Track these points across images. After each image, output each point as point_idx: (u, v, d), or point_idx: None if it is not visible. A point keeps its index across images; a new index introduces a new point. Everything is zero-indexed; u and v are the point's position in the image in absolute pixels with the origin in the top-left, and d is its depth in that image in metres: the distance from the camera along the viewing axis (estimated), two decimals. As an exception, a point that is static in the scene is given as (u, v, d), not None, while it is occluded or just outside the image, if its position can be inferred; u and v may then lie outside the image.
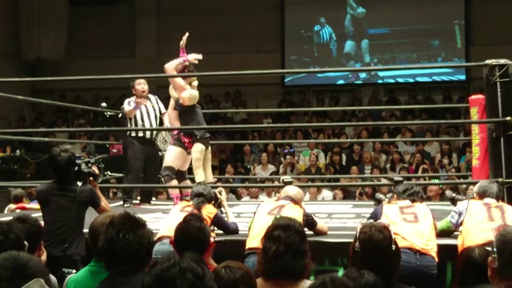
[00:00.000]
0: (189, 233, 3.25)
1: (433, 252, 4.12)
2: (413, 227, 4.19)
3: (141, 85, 7.22)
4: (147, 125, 7.15)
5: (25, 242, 2.83)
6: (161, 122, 7.35)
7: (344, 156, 11.92)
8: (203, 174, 6.38)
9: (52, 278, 2.77)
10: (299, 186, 5.85)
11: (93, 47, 15.12)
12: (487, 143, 5.65)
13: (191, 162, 6.52)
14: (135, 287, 1.93)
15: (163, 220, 5.31)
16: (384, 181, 8.76)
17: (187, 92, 6.50)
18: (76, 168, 4.54)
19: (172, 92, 6.77)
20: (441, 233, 4.48)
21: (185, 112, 6.55)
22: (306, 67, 14.69)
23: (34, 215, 4.07)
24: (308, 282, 2.69)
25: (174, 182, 6.52)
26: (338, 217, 6.11)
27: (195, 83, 6.68)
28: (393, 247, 2.69)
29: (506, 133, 5.31)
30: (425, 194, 9.34)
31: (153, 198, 8.02)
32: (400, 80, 14.75)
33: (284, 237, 2.81)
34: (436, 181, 9.22)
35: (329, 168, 11.37)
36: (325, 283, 1.96)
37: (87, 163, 4.70)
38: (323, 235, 4.72)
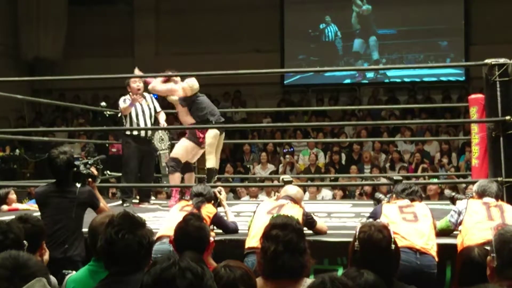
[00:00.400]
0: (189, 232, 3.25)
1: (433, 251, 4.12)
2: (412, 226, 4.19)
3: (136, 83, 7.22)
4: (142, 124, 7.15)
5: (25, 241, 2.83)
6: (157, 121, 7.35)
7: (343, 156, 11.93)
8: (214, 160, 6.40)
9: (52, 278, 2.77)
10: (299, 186, 5.86)
11: (92, 46, 15.12)
12: (486, 143, 5.65)
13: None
14: (135, 287, 1.93)
15: (162, 219, 5.31)
16: (383, 180, 8.77)
17: (183, 83, 6.51)
18: (75, 169, 4.55)
19: (171, 98, 6.78)
20: (440, 233, 4.48)
21: (192, 103, 6.58)
22: (314, 67, 14.67)
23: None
24: (308, 281, 2.68)
25: (177, 175, 6.54)
26: (337, 217, 6.11)
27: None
28: (393, 246, 2.69)
29: (506, 133, 5.31)
30: (425, 194, 9.36)
31: (153, 197, 8.02)
32: (406, 80, 14.75)
33: (282, 236, 2.80)
34: (436, 180, 9.22)
35: (329, 167, 11.38)
36: (324, 282, 1.96)
37: (85, 164, 4.71)
38: (322, 234, 4.72)
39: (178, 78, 6.83)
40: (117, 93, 14.24)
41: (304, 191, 7.75)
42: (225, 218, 5.06)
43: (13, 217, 3.23)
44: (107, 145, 10.57)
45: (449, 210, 4.65)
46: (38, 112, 15.40)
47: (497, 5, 13.56)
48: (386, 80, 14.90)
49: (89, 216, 4.31)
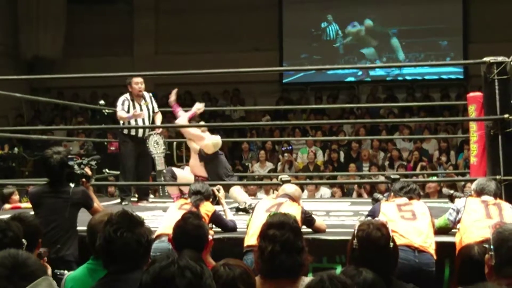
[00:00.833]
0: (188, 231, 3.25)
1: (432, 249, 4.12)
2: (411, 224, 4.19)
3: (138, 84, 7.19)
4: (140, 124, 7.15)
5: (24, 240, 2.83)
6: (154, 122, 7.34)
7: (342, 154, 11.94)
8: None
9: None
10: (297, 184, 5.86)
11: (91, 45, 15.11)
12: (485, 141, 5.65)
13: None
14: (133, 285, 1.92)
15: (161, 217, 5.31)
16: (382, 179, 8.77)
17: (209, 139, 6.47)
18: (69, 169, 4.56)
19: (192, 144, 6.72)
20: (439, 231, 4.48)
21: (210, 160, 6.56)
22: (315, 65, 14.65)
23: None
24: (306, 280, 2.68)
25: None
26: (336, 215, 6.11)
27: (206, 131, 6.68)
28: (391, 244, 2.69)
29: (504, 131, 5.31)
30: (423, 192, 9.37)
31: (151, 196, 8.02)
32: (406, 78, 14.76)
33: (279, 236, 2.78)
34: (435, 178, 9.23)
35: (327, 165, 11.38)
36: (323, 280, 1.96)
37: (79, 165, 4.73)
38: (321, 232, 4.72)
39: (206, 128, 6.78)
40: (116, 92, 14.21)
41: (303, 190, 7.77)
42: (224, 216, 5.07)
43: (6, 217, 3.23)
44: (105, 143, 10.58)
45: (447, 208, 4.65)
46: (37, 111, 15.40)
47: (496, 3, 13.56)
48: (408, 77, 14.82)
49: (85, 215, 4.32)
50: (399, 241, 3.40)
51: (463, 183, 8.61)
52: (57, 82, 14.91)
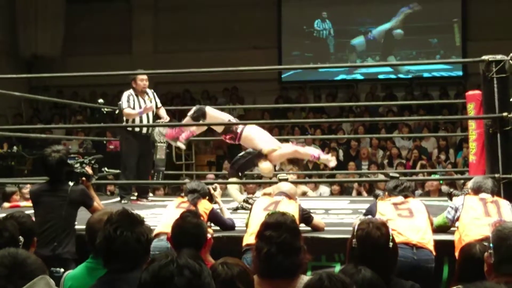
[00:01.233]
0: (186, 229, 3.25)
1: (430, 245, 4.12)
2: (409, 222, 4.20)
3: (143, 81, 7.18)
4: (144, 120, 7.13)
5: (20, 237, 2.83)
6: (158, 117, 7.34)
7: (341, 152, 11.93)
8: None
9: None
10: (297, 183, 5.88)
11: (90, 43, 15.09)
12: (484, 139, 5.65)
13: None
14: (133, 284, 1.93)
15: (160, 216, 5.31)
16: (381, 177, 8.78)
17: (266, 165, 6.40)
18: (68, 168, 4.56)
19: (263, 165, 6.64)
20: (437, 229, 4.49)
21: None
22: (307, 63, 14.67)
23: (28, 212, 4.08)
24: (305, 278, 2.68)
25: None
26: (335, 213, 6.12)
27: None
28: (391, 244, 2.69)
29: (503, 129, 5.32)
30: (423, 190, 9.38)
31: (150, 194, 8.02)
32: (401, 76, 14.76)
33: (276, 237, 2.74)
34: (436, 176, 9.24)
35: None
36: (321, 279, 1.97)
37: (80, 164, 4.72)
38: (320, 230, 4.72)
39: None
40: (115, 90, 14.25)
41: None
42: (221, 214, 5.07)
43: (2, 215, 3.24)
44: (104, 142, 10.58)
45: (446, 207, 4.66)
46: (36, 109, 15.39)
47: (495, 2, 13.56)
48: (381, 77, 14.87)
49: (86, 214, 4.32)
50: (397, 239, 3.39)
51: (462, 181, 8.61)
52: (56, 81, 14.91)
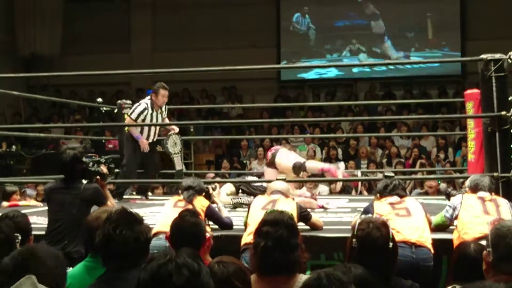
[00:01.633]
0: (184, 228, 3.26)
1: (429, 244, 4.13)
2: (407, 221, 4.20)
3: (164, 97, 7.13)
4: (151, 134, 7.13)
5: (17, 234, 2.82)
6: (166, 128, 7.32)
7: (340, 151, 11.93)
8: None
9: None
10: (296, 181, 5.89)
11: (88, 42, 15.08)
12: (482, 138, 5.66)
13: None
14: (132, 283, 1.93)
15: (159, 215, 5.31)
16: (380, 176, 8.78)
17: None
18: (82, 166, 4.52)
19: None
20: (436, 228, 4.49)
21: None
22: (290, 59, 14.72)
23: (25, 211, 4.08)
24: (304, 277, 2.68)
25: None
26: (334, 212, 6.13)
27: None
28: (390, 244, 2.69)
29: (501, 128, 5.32)
30: (422, 189, 9.38)
31: (150, 193, 8.03)
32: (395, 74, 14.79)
33: (272, 232, 2.77)
34: (433, 175, 9.25)
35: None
36: (320, 278, 1.96)
37: (96, 162, 4.70)
38: (318, 229, 4.73)
39: None
40: (113, 89, 14.27)
41: (301, 186, 7.80)
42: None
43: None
44: (103, 141, 10.56)
45: (445, 205, 4.66)
46: (35, 108, 15.37)
47: (493, 0, 13.57)
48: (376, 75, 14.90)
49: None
50: (396, 237, 3.40)
51: (461, 180, 8.61)
52: (54, 80, 14.90)
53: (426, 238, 4.14)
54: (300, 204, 4.72)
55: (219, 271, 2.36)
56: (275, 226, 2.80)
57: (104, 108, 8.88)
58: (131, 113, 7.12)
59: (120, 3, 15.49)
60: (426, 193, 9.05)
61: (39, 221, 5.42)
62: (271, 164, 6.57)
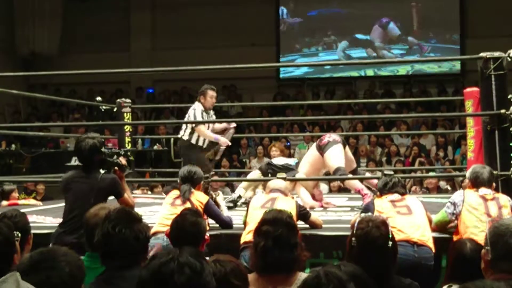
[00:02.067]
0: (184, 227, 3.27)
1: (430, 243, 4.12)
2: (408, 219, 4.19)
3: (213, 98, 6.99)
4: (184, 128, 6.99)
5: (17, 233, 2.82)
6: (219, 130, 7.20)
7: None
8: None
9: None
10: (295, 180, 5.88)
11: (87, 41, 15.09)
12: (482, 136, 5.66)
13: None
14: (131, 281, 1.93)
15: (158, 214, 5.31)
16: (379, 174, 8.78)
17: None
18: (101, 156, 4.47)
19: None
20: (437, 226, 4.47)
21: None
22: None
23: (24, 210, 4.07)
24: (303, 275, 2.68)
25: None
26: (333, 210, 6.13)
27: None
28: (390, 243, 2.69)
29: (501, 126, 5.32)
30: (421, 187, 9.39)
31: (149, 192, 8.03)
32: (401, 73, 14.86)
33: (272, 231, 2.80)
34: (433, 173, 9.24)
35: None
36: (319, 276, 1.96)
37: (116, 154, 4.65)
38: (317, 227, 4.73)
39: None
40: (112, 88, 14.26)
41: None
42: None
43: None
44: (103, 139, 10.55)
45: (445, 204, 4.65)
46: (34, 107, 15.38)
47: (493, -2, 13.61)
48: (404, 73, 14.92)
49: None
50: (397, 236, 3.40)
51: (460, 178, 8.62)
52: (54, 79, 14.90)
53: (427, 237, 4.14)
54: (299, 203, 4.71)
55: (217, 270, 2.36)
56: (275, 225, 2.83)
57: (104, 107, 8.86)
58: (200, 127, 6.89)
59: (119, 2, 15.52)
60: (427, 191, 9.04)
61: (38, 220, 5.43)
62: (320, 149, 6.41)
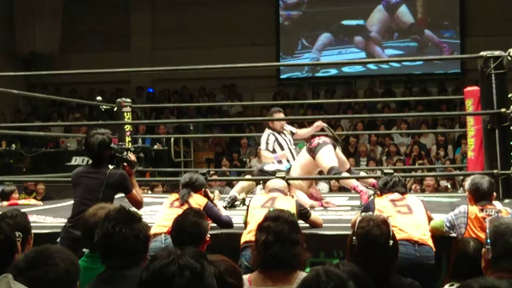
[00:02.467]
0: (185, 227, 3.27)
1: (431, 242, 4.11)
2: (409, 218, 4.18)
3: (280, 122, 6.96)
4: (289, 154, 7.01)
5: (18, 233, 2.82)
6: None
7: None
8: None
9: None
10: (295, 179, 5.88)
11: (88, 41, 15.08)
12: (482, 135, 5.66)
13: None
14: (132, 282, 1.93)
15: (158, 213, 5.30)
16: (379, 173, 8.77)
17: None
18: (110, 151, 4.46)
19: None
20: (433, 230, 4.34)
21: None
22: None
23: (25, 210, 4.06)
24: (303, 274, 2.68)
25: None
26: (334, 209, 6.13)
27: None
28: (391, 242, 2.68)
29: (501, 125, 5.33)
30: (421, 186, 9.39)
31: (149, 192, 8.03)
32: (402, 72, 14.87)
33: (273, 227, 2.82)
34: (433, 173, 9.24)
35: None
36: (319, 274, 1.96)
37: (125, 150, 4.63)
38: (317, 227, 4.72)
39: None
40: (113, 88, 14.25)
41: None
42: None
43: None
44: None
45: (445, 203, 4.65)
46: (34, 107, 15.37)
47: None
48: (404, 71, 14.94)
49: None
50: (398, 235, 3.39)
51: (461, 177, 8.62)
52: (54, 78, 14.90)
53: (428, 236, 4.12)
54: (299, 202, 4.71)
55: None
56: (276, 221, 2.85)
57: (104, 107, 8.85)
58: (265, 148, 6.93)
59: (119, 1, 15.51)
60: (425, 191, 9.04)
61: (39, 220, 5.43)
62: (311, 152, 6.38)
